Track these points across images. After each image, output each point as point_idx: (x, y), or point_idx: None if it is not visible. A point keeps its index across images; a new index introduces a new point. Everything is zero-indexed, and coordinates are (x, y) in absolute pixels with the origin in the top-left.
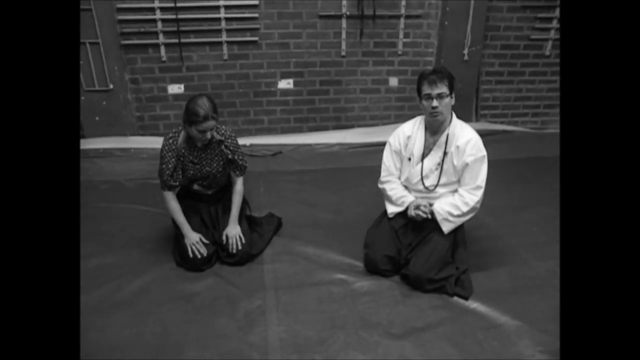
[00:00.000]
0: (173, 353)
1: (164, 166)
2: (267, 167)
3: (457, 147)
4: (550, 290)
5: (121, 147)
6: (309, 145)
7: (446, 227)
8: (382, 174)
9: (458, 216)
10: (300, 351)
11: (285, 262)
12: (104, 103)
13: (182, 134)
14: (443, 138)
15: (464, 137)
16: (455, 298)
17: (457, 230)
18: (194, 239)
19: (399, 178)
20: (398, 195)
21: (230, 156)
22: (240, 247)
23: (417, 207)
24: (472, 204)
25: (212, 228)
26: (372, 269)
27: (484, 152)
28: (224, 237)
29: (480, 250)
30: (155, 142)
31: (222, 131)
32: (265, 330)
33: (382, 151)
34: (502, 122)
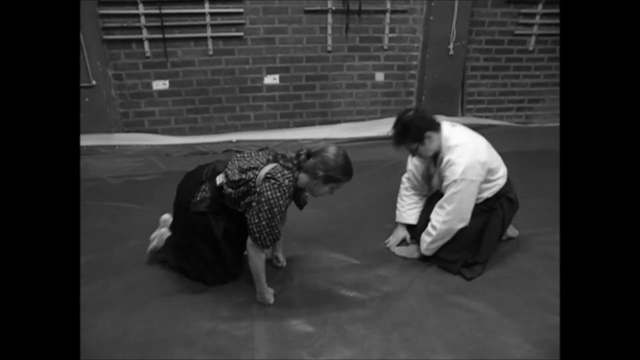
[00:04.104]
0: (160, 351)
1: (277, 220)
2: None
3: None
4: (533, 282)
5: (106, 144)
6: (296, 140)
7: (428, 252)
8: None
9: (433, 242)
10: (287, 346)
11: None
12: (87, 99)
13: (292, 185)
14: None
15: (445, 158)
16: (441, 291)
17: (489, 224)
18: (271, 299)
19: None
20: (400, 208)
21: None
22: None
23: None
24: (437, 225)
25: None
26: None
27: (455, 176)
28: None
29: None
30: (140, 139)
31: None
32: (252, 325)
33: (368, 146)
34: (487, 117)
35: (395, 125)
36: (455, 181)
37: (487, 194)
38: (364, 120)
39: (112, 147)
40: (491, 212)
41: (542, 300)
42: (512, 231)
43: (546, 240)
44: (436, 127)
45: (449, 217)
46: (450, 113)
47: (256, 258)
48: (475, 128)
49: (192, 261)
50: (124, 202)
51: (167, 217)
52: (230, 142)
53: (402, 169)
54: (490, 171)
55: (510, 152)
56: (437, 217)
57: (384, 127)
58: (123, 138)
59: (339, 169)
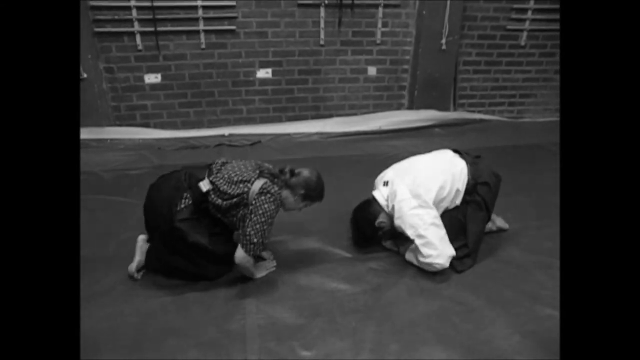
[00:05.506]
0: (151, 344)
1: (268, 229)
2: (245, 157)
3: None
4: (523, 274)
5: (97, 137)
6: (288, 134)
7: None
8: None
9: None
10: (279, 338)
11: (264, 251)
12: None
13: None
14: None
15: (396, 225)
16: (432, 284)
17: (469, 214)
18: (269, 265)
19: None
20: None
21: None
22: None
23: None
24: (431, 266)
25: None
26: None
27: (411, 233)
28: None
29: None
30: (132, 133)
31: None
32: (244, 318)
33: (360, 140)
34: (479, 111)
35: (355, 234)
36: (412, 239)
37: (457, 201)
38: (356, 114)
39: (104, 140)
40: (467, 203)
41: (532, 292)
42: (502, 224)
43: (536, 233)
44: (377, 210)
45: (437, 262)
46: (443, 108)
47: (248, 266)
48: (468, 123)
49: (187, 263)
50: (115, 196)
51: (144, 237)
52: (223, 136)
53: (394, 163)
54: (438, 193)
55: (502, 147)
56: (427, 266)
57: (376, 121)
58: (115, 132)
59: (318, 190)
